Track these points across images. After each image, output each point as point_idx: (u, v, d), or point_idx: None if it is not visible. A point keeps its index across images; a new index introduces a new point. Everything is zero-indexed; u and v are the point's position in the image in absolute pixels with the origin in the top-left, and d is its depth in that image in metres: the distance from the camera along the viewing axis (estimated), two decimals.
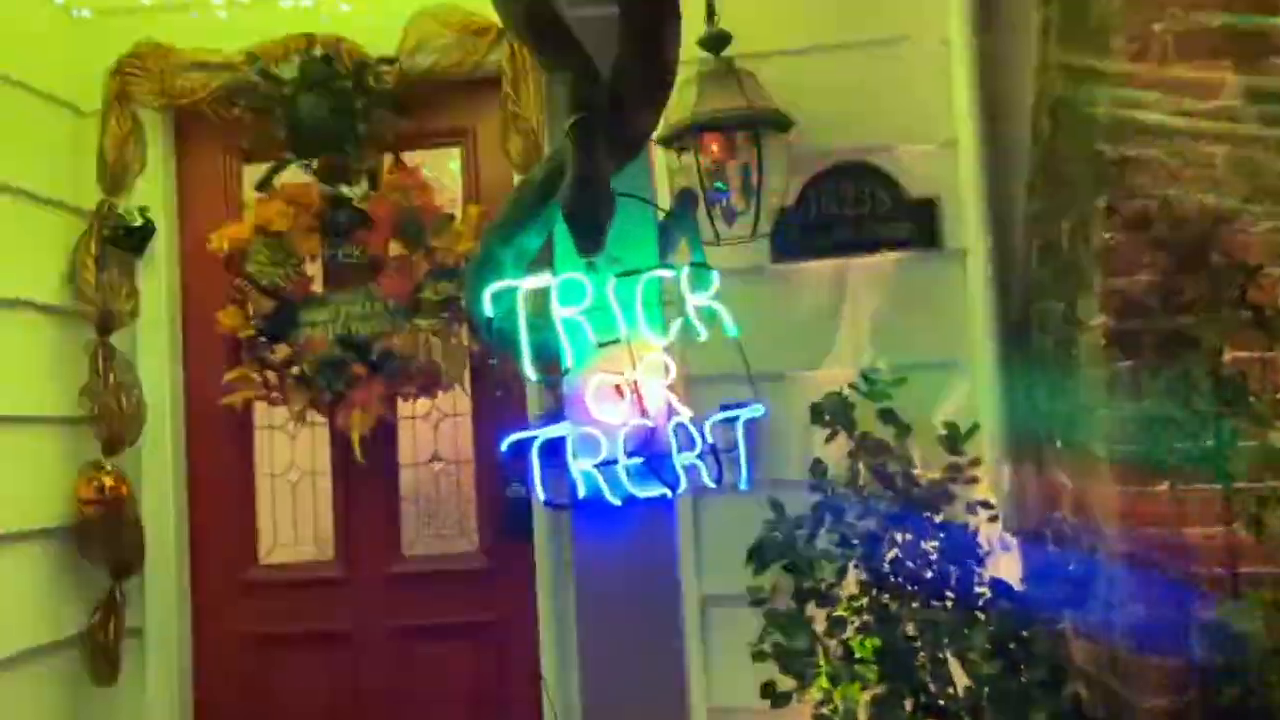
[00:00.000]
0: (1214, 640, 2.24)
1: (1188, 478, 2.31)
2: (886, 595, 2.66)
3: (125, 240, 3.43)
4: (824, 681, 2.64)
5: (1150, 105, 2.41)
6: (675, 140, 3.00)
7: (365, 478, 3.46)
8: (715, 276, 2.19)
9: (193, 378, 3.55)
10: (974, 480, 2.84)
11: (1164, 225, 2.38)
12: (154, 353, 3.48)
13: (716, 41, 3.02)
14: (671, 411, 2.14)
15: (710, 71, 3.01)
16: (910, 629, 2.61)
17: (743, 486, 2.23)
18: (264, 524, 3.58)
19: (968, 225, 3.07)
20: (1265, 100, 2.37)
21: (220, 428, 3.52)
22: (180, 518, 3.49)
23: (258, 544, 3.57)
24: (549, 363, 2.05)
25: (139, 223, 3.45)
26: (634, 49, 1.97)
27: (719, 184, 2.99)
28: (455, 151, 3.58)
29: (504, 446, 2.08)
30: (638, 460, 2.06)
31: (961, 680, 2.56)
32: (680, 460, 2.10)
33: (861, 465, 2.83)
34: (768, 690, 2.68)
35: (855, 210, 3.18)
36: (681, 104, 2.96)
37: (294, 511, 3.59)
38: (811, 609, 2.70)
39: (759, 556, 2.72)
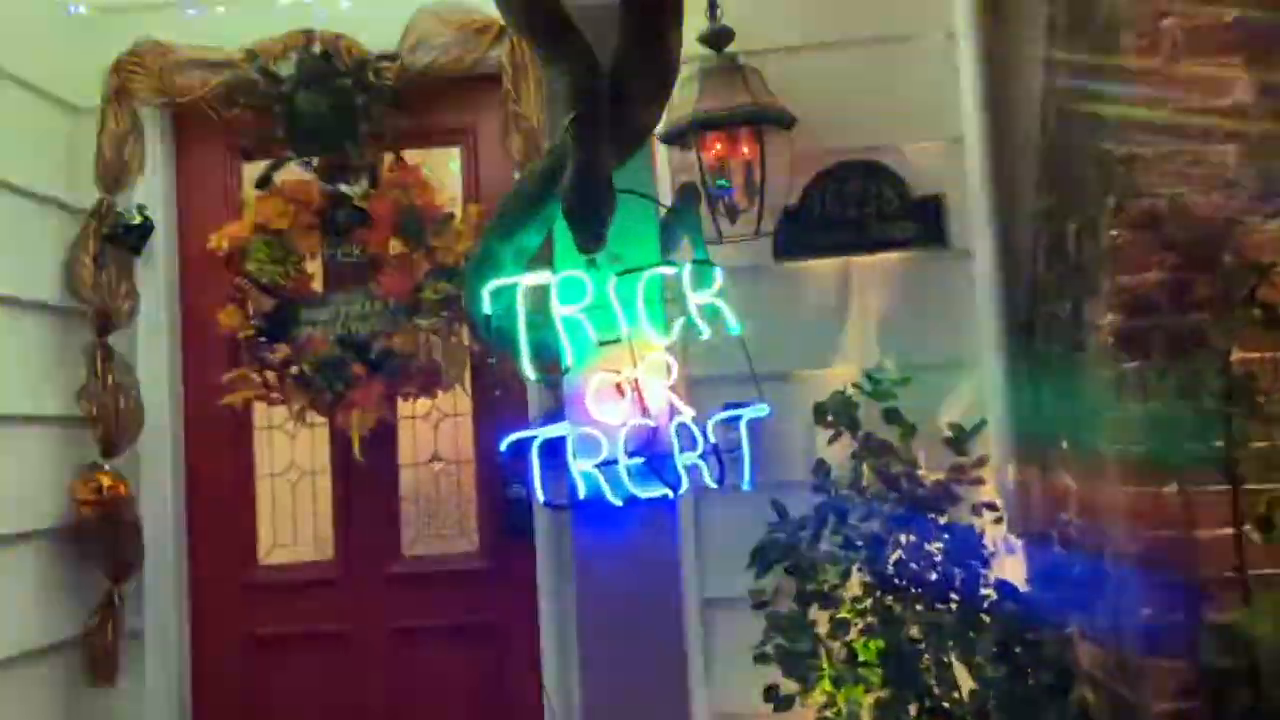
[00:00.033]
0: (1224, 644, 2.22)
1: (1197, 478, 2.28)
2: (890, 597, 2.66)
3: (124, 239, 3.41)
4: (827, 685, 2.64)
5: (1160, 102, 2.38)
6: (677, 137, 2.98)
7: (365, 478, 3.44)
8: (718, 274, 2.15)
9: (192, 378, 3.53)
10: (979, 481, 2.83)
11: (1173, 224, 2.35)
12: (152, 352, 3.46)
13: (719, 38, 3.01)
14: (673, 411, 2.12)
15: (713, 68, 2.99)
16: (915, 632, 2.61)
17: (745, 487, 2.20)
18: (263, 525, 3.56)
19: (973, 224, 3.05)
20: (1278, 97, 2.34)
21: (219, 428, 3.50)
22: (179, 519, 3.47)
23: (257, 545, 3.55)
24: (549, 362, 2.03)
25: (137, 221, 3.42)
26: (636, 39, 1.94)
27: (721, 182, 2.97)
28: (455, 150, 3.57)
29: (503, 447, 2.05)
30: (639, 460, 2.03)
31: (967, 684, 2.55)
32: (682, 460, 2.07)
33: (865, 466, 2.81)
34: (770, 693, 2.68)
35: (859, 209, 3.16)
36: (683, 101, 2.95)
37: (293, 512, 3.57)
38: (814, 611, 2.70)
39: (761, 558, 2.71)
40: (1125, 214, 2.38)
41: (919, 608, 2.60)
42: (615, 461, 2.01)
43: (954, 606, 2.60)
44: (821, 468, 2.84)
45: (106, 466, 3.36)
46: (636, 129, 2.03)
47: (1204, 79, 2.38)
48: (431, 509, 3.54)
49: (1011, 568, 2.82)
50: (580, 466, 2.01)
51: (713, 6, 3.00)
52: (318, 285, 3.45)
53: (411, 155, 3.46)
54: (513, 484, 3.27)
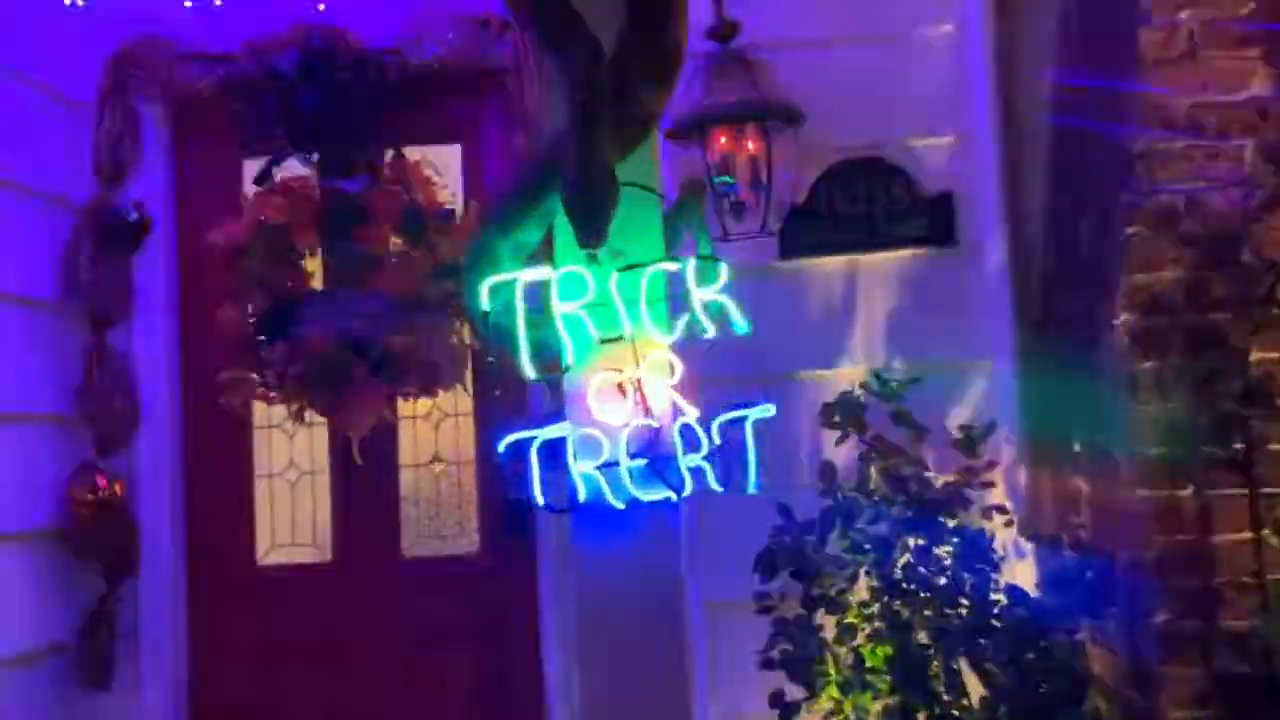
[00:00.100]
0: (1241, 650, 2.20)
1: (1213, 481, 2.25)
2: (898, 602, 2.63)
3: (121, 235, 3.39)
4: (834, 691, 2.62)
5: (1176, 95, 2.33)
6: (683, 132, 2.95)
7: (365, 478, 3.40)
8: (723, 269, 2.11)
9: (190, 376, 3.50)
10: (989, 484, 2.80)
11: (1190, 220, 2.31)
12: (150, 350, 3.44)
13: (725, 31, 2.98)
14: (676, 411, 2.08)
15: (719, 62, 2.97)
16: (923, 637, 2.59)
17: (750, 490, 2.15)
18: (262, 525, 3.53)
19: (984, 221, 3.04)
20: None
21: (218, 427, 3.45)
22: (176, 519, 3.44)
23: (255, 545, 3.52)
24: (549, 360, 1.99)
25: (135, 217, 3.40)
26: (639, 26, 1.90)
27: (727, 178, 2.93)
28: (457, 146, 3.55)
29: (501, 448, 2.01)
30: (641, 462, 2.00)
31: (976, 691, 2.52)
32: (685, 462, 2.04)
33: (873, 468, 2.78)
34: (776, 699, 2.64)
35: (868, 206, 3.14)
36: (689, 96, 2.91)
37: (292, 512, 3.55)
38: (821, 616, 2.67)
39: (767, 562, 2.68)
40: (1141, 210, 2.34)
41: (928, 613, 2.58)
42: (617, 463, 1.98)
43: (964, 611, 2.58)
44: (828, 470, 2.81)
45: (103, 466, 3.33)
46: (640, 119, 1.99)
47: (1221, 72, 2.34)
48: (432, 510, 3.52)
49: (1022, 572, 2.81)
50: (581, 468, 1.98)
51: None
52: (317, 283, 3.40)
53: (413, 151, 3.41)
54: (514, 485, 3.23)
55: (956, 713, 2.52)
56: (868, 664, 2.60)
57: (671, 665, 2.22)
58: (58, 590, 3.27)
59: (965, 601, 2.58)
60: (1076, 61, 2.71)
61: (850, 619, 2.65)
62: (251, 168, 3.46)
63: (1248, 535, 2.21)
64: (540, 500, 2.05)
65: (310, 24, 3.36)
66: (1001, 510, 2.79)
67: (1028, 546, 2.85)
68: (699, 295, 2.09)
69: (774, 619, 2.67)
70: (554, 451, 2.01)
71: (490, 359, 3.19)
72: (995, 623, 2.54)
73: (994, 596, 2.59)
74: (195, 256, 3.46)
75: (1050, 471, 2.83)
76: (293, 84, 3.34)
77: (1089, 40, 2.65)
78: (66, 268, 3.37)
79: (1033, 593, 2.66)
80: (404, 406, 3.44)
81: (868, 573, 2.66)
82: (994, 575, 2.62)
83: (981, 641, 2.51)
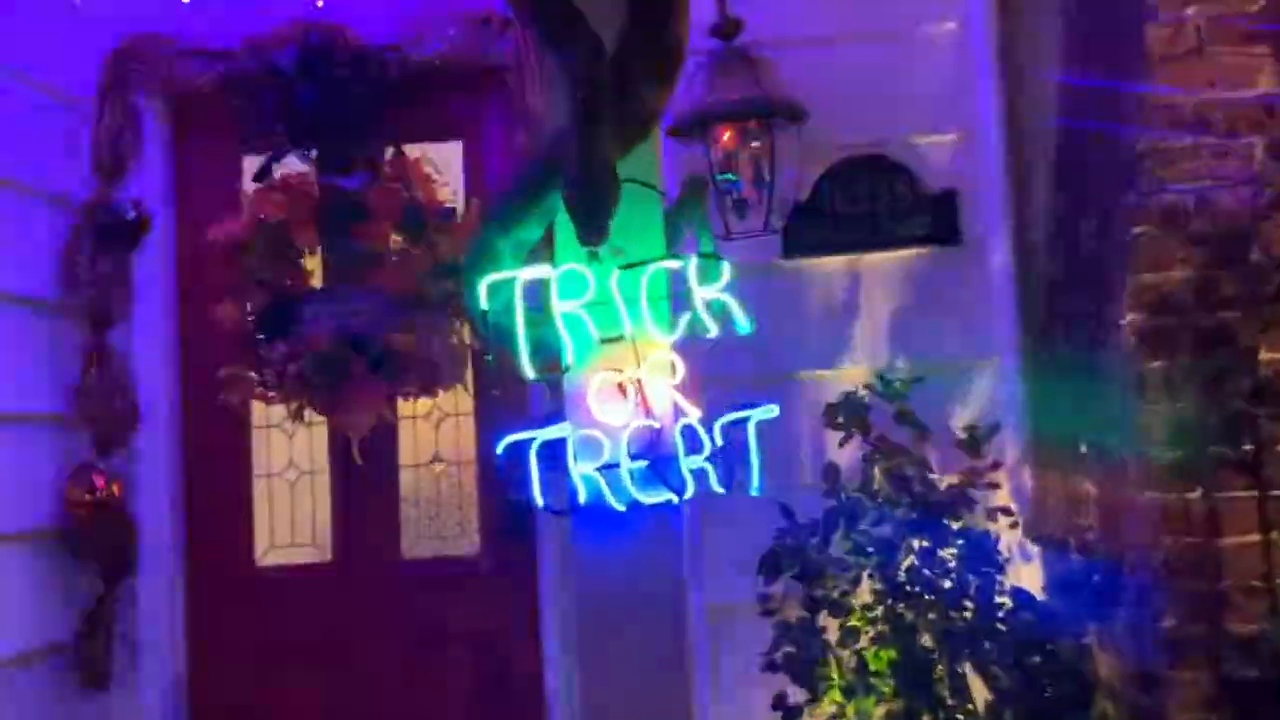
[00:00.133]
0: (1249, 655, 2.18)
1: (1222, 483, 2.23)
2: (902, 605, 2.62)
3: (120, 233, 3.37)
4: (837, 694, 2.61)
5: (1183, 93, 2.31)
6: (685, 130, 2.93)
7: (365, 478, 3.38)
8: (725, 268, 2.08)
9: (189, 375, 3.49)
10: (994, 485, 2.79)
11: (1198, 219, 2.29)
12: (149, 349, 3.42)
13: (728, 28, 2.96)
14: (678, 412, 2.05)
15: (721, 59, 2.94)
16: (927, 640, 2.58)
17: (754, 492, 2.12)
18: (261, 525, 3.51)
19: (988, 219, 3.01)
20: None
21: (216, 426, 3.45)
22: (175, 519, 3.42)
23: (254, 546, 3.50)
24: (548, 360, 1.97)
25: (134, 215, 3.38)
26: (641, 23, 1.88)
27: (729, 175, 2.91)
28: (458, 144, 3.53)
29: (500, 449, 1.98)
30: (642, 464, 1.97)
31: (981, 695, 2.50)
32: (687, 464, 2.01)
33: (877, 469, 2.77)
34: (779, 703, 2.64)
35: (871, 204, 3.11)
36: (691, 93, 2.89)
37: (292, 512, 3.52)
38: (824, 618, 2.66)
39: (770, 564, 2.67)
40: (1148, 209, 2.32)
41: (932, 615, 2.57)
42: (617, 465, 1.95)
43: (968, 614, 2.57)
44: (832, 471, 2.80)
45: (101, 466, 3.31)
46: (641, 115, 1.96)
47: (1229, 69, 2.31)
48: (432, 510, 3.49)
49: (1027, 575, 2.79)
50: (581, 470, 1.95)
51: None
52: (317, 281, 3.38)
53: (413, 149, 3.40)
54: (515, 486, 3.20)
55: (961, 717, 2.51)
56: (871, 667, 2.59)
57: (673, 668, 2.20)
58: (56, 590, 3.25)
59: (970, 604, 2.57)
60: (1081, 59, 2.70)
61: (854, 622, 2.64)
62: (251, 165, 3.43)
63: (1256, 538, 2.19)
64: (540, 502, 2.02)
65: (310, 20, 3.34)
66: (1007, 512, 2.78)
67: (1033, 549, 2.83)
68: (701, 294, 2.06)
69: (777, 621, 2.66)
70: (554, 452, 1.99)
71: (489, 358, 3.18)
72: (1000, 626, 2.53)
73: (999, 599, 2.58)
74: (194, 254, 3.45)
75: (1056, 473, 2.81)
76: (292, 81, 3.32)
77: (1094, 37, 2.63)
78: (65, 266, 3.35)
79: (1038, 596, 2.65)
80: (404, 406, 3.42)
81: (871, 575, 2.65)
82: (999, 578, 2.61)
83: (986, 645, 2.50)
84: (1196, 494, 2.25)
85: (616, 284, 1.96)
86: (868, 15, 3.11)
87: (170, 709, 3.35)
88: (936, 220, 3.07)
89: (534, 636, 3.23)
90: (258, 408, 3.45)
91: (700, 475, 2.04)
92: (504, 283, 1.93)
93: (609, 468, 1.96)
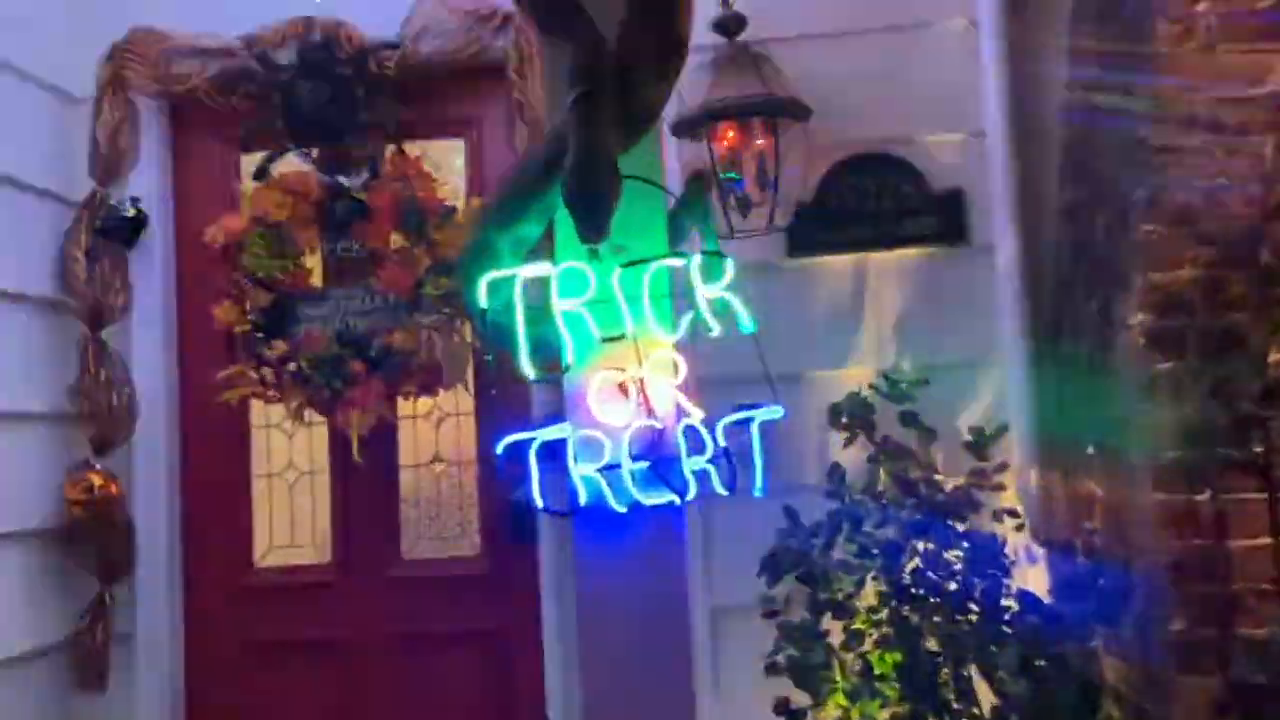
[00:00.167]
0: (1259, 659, 2.16)
1: (1231, 485, 2.21)
2: (907, 608, 2.60)
3: (117, 232, 3.35)
4: (841, 698, 2.59)
5: (1193, 91, 2.28)
6: (688, 127, 2.92)
7: (364, 479, 3.37)
8: (729, 265, 2.05)
9: (187, 374, 3.46)
10: (1000, 487, 2.77)
11: (1208, 218, 2.26)
12: (147, 348, 3.39)
13: (732, 24, 2.95)
14: (680, 412, 2.02)
15: (725, 56, 2.94)
16: (932, 644, 2.55)
17: (758, 493, 2.09)
18: (260, 526, 3.49)
19: (995, 219, 2.98)
20: None
21: (215, 426, 3.43)
22: (172, 519, 3.40)
23: (253, 547, 3.48)
24: (548, 359, 1.93)
25: (132, 213, 3.36)
26: (643, 13, 1.84)
27: (731, 174, 2.89)
28: (459, 142, 3.50)
29: (499, 449, 1.95)
30: (644, 465, 1.93)
31: (987, 699, 2.47)
32: (690, 465, 1.97)
33: (882, 470, 2.75)
34: (781, 707, 2.62)
35: (876, 203, 3.09)
36: (694, 90, 2.88)
37: (291, 513, 3.50)
38: (828, 621, 2.64)
39: (773, 566, 2.65)
40: (1157, 208, 2.29)
41: (937, 619, 2.55)
42: (619, 466, 1.92)
43: (974, 618, 2.54)
44: (836, 472, 2.78)
45: (98, 465, 3.29)
46: (643, 109, 1.92)
47: (1240, 66, 2.28)
48: (432, 511, 3.47)
49: (1034, 577, 2.76)
50: (581, 471, 1.92)
51: None
52: (316, 280, 3.38)
53: (413, 147, 3.40)
54: (515, 487, 3.18)
55: None
56: (876, 671, 2.57)
57: (675, 671, 2.16)
58: (52, 591, 3.24)
59: (976, 608, 2.55)
60: (1090, 56, 2.66)
61: (858, 625, 2.61)
62: (250, 163, 3.43)
63: (1266, 540, 2.17)
64: (540, 503, 1.99)
65: (310, 17, 3.35)
66: (1013, 514, 2.75)
67: (1039, 551, 2.80)
68: (704, 292, 2.03)
69: (780, 624, 2.64)
70: (554, 453, 1.96)
71: (488, 357, 3.17)
72: (1006, 630, 2.50)
73: (1005, 602, 2.55)
74: (193, 253, 3.43)
75: (1063, 474, 2.77)
76: (292, 78, 3.33)
77: (1103, 34, 2.59)
78: (62, 264, 3.33)
79: (1044, 599, 2.62)
80: (404, 406, 3.40)
81: (875, 577, 2.62)
82: (1005, 581, 2.58)
83: (992, 649, 2.47)
84: (1205, 496, 2.22)
85: (618, 282, 1.92)
86: (874, 11, 3.09)
87: (167, 710, 3.32)
88: (943, 219, 3.05)
89: (535, 639, 3.20)
90: (257, 407, 3.46)
91: (702, 477, 2.00)
92: (503, 280, 1.90)
93: (610, 469, 1.92)
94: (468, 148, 3.47)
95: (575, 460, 1.93)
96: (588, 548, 2.06)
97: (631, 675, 2.09)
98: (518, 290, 1.89)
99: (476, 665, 3.33)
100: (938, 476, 2.72)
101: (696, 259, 2.01)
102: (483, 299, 1.92)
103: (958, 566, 2.58)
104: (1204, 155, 2.28)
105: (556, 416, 2.07)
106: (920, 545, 2.61)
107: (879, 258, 3.09)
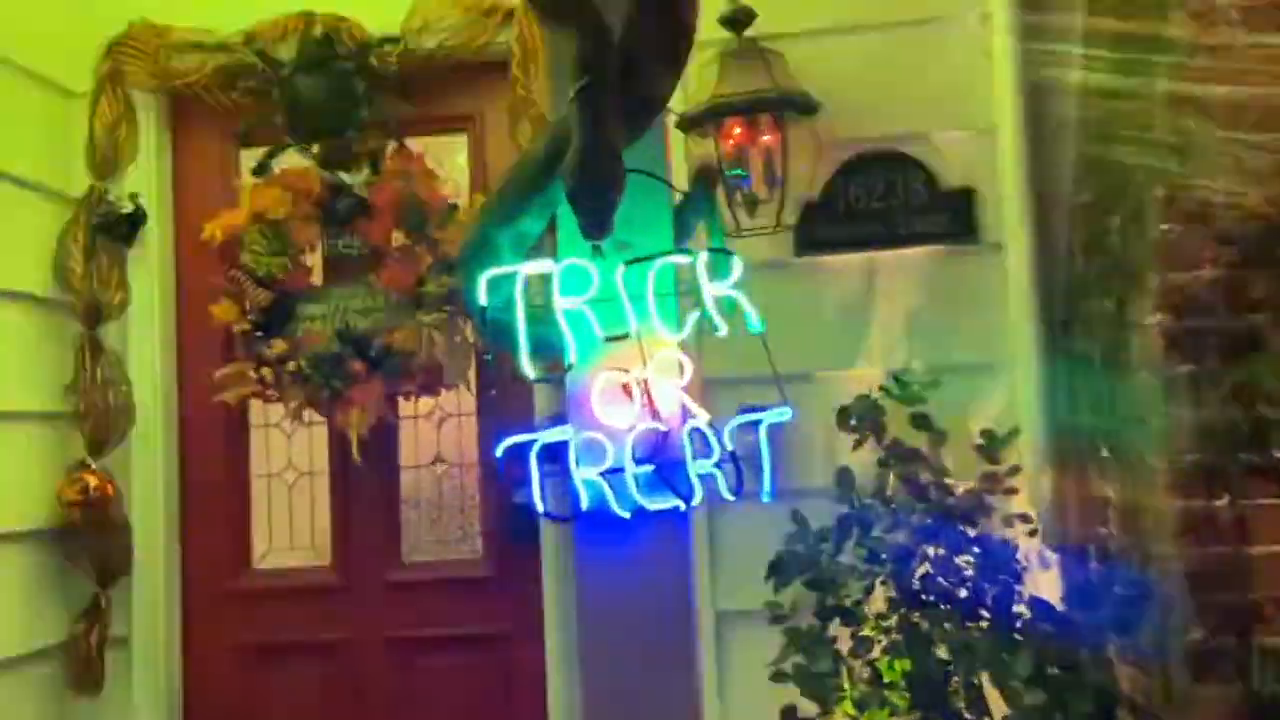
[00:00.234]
0: (1278, 669, 2.14)
1: (1251, 490, 2.18)
2: (917, 614, 2.54)
3: (115, 228, 3.32)
4: (849, 707, 2.53)
5: (1214, 83, 2.23)
6: (694, 123, 2.87)
7: (364, 480, 3.34)
8: (736, 263, 2.00)
9: (185, 374, 3.43)
10: (1013, 491, 2.71)
11: (1228, 217, 2.22)
12: (144, 347, 3.36)
13: (740, 19, 2.90)
14: (686, 414, 1.97)
15: (732, 51, 2.89)
16: (943, 651, 2.50)
17: (765, 498, 2.04)
18: (258, 528, 3.46)
19: (1007, 217, 2.94)
20: None
21: (213, 426, 3.40)
22: (170, 520, 3.36)
23: (251, 549, 3.45)
24: (550, 359, 1.89)
25: (129, 210, 3.33)
26: (649, 4, 1.80)
27: (738, 170, 2.85)
28: (461, 138, 3.47)
29: (499, 451, 1.91)
30: (648, 469, 1.89)
31: (999, 709, 2.43)
32: (695, 469, 1.93)
33: (891, 474, 2.69)
34: (788, 714, 2.57)
35: (886, 201, 3.04)
36: (702, 85, 2.84)
37: (290, 515, 3.47)
38: (836, 628, 2.59)
39: (780, 571, 2.60)
40: (1175, 206, 2.26)
41: (948, 626, 2.49)
42: (622, 469, 1.87)
43: (985, 625, 2.49)
44: (845, 475, 2.72)
45: (94, 465, 3.26)
46: (648, 101, 1.88)
47: (1262, 60, 2.24)
48: (433, 513, 3.43)
49: (1047, 584, 2.71)
50: (583, 474, 1.87)
51: None
52: (316, 278, 3.35)
53: (415, 143, 3.36)
54: (517, 489, 3.15)
55: None
56: (885, 679, 2.52)
57: (679, 677, 2.12)
58: (47, 592, 3.21)
59: (987, 614, 2.50)
60: (1104, 50, 2.62)
61: (866, 631, 2.56)
62: (249, 159, 3.40)
63: None
64: (541, 507, 1.94)
65: (310, 12, 3.32)
66: (1025, 519, 2.69)
67: (1053, 557, 2.75)
68: (711, 290, 1.98)
69: (787, 630, 2.59)
70: (556, 456, 1.91)
71: (489, 357, 3.13)
72: (1019, 637, 2.45)
73: (1017, 609, 2.50)
74: (192, 250, 3.40)
75: (1076, 478, 2.75)
76: (292, 73, 3.30)
77: (1117, 28, 2.55)
78: (58, 261, 3.30)
79: (1057, 606, 2.56)
80: (405, 406, 3.37)
81: (885, 583, 2.58)
82: (1017, 587, 2.53)
83: (1004, 657, 2.41)
84: (1224, 501, 2.19)
85: (622, 279, 1.88)
86: (883, 6, 3.05)
87: (164, 714, 3.28)
88: (954, 218, 3.00)
89: (537, 644, 3.16)
90: (256, 407, 3.42)
91: (708, 480, 1.96)
92: (504, 278, 1.86)
93: (613, 472, 1.88)
94: (470, 144, 3.44)
95: (577, 463, 1.89)
96: (590, 553, 2.02)
97: (635, 681, 2.06)
98: (518, 288, 1.85)
99: (477, 671, 3.29)
100: (948, 480, 2.67)
101: (703, 256, 1.96)
102: (482, 297, 1.87)
103: (969, 572, 2.53)
104: (1224, 152, 2.24)
105: (560, 418, 2.03)
106: (931, 550, 2.56)
107: (888, 256, 3.04)
